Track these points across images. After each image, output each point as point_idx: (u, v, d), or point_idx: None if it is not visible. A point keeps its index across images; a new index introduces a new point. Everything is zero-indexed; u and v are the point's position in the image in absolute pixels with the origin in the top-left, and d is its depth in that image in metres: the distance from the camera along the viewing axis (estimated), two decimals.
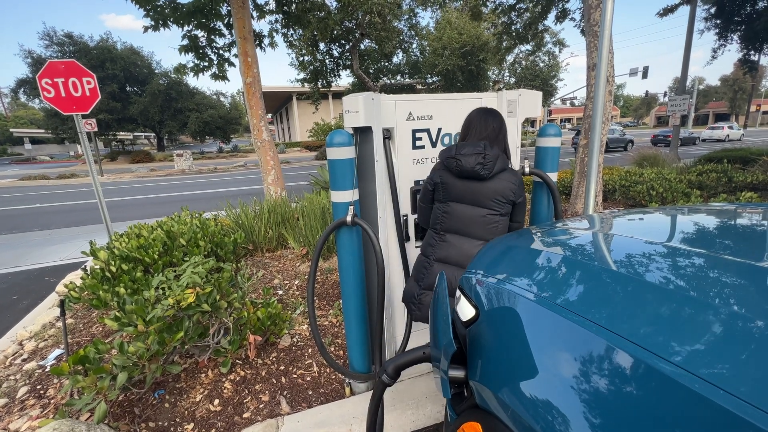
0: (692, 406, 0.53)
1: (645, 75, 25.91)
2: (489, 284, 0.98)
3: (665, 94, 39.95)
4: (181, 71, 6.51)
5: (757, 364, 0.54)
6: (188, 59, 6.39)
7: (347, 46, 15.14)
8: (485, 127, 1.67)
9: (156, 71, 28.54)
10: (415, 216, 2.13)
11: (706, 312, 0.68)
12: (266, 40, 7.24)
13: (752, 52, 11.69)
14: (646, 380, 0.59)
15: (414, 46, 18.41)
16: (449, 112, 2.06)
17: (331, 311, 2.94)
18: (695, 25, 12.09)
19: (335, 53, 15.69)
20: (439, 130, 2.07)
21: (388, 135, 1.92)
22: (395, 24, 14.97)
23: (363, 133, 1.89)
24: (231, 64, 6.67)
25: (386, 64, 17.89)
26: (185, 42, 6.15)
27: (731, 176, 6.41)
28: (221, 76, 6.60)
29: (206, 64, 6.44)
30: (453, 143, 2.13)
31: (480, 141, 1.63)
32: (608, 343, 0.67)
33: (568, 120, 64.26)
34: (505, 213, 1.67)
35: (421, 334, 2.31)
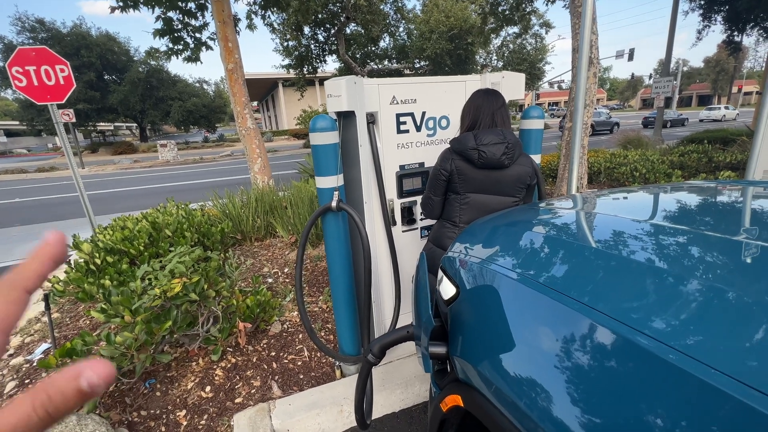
0: (670, 378, 0.54)
1: (631, 57, 26.00)
2: (469, 263, 1.01)
3: (650, 77, 40.28)
4: (153, 55, 6.30)
5: (737, 338, 0.56)
6: (162, 43, 6.20)
7: (333, 31, 14.80)
8: (497, 108, 1.62)
9: (135, 58, 27.58)
10: (401, 201, 2.14)
11: (684, 287, 0.69)
12: (244, 23, 7.04)
13: (735, 33, 11.81)
14: (619, 352, 0.61)
15: (401, 29, 18.10)
16: (433, 95, 2.05)
17: (321, 297, 2.96)
18: (680, 6, 12.14)
19: (320, 38, 15.34)
20: (423, 113, 2.06)
21: (371, 119, 1.90)
22: (381, 7, 14.66)
23: (346, 118, 1.87)
24: (208, 47, 6.47)
25: (373, 48, 17.58)
26: (159, 25, 5.93)
27: (711, 156, 6.56)
28: (194, 58, 6.40)
29: (181, 47, 6.23)
30: (437, 127, 2.13)
31: (494, 126, 1.60)
32: (583, 316, 0.69)
33: (556, 104, 64.46)
34: (523, 198, 1.70)
35: (409, 316, 2.35)
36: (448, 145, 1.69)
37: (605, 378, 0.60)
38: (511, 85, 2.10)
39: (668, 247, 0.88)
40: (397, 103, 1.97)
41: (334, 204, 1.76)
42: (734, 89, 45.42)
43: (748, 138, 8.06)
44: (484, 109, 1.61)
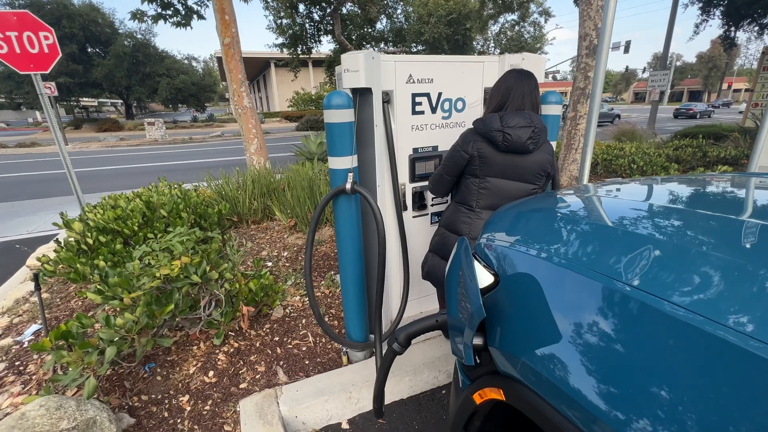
0: (707, 349, 0.54)
1: (627, 50, 25.84)
2: (510, 250, 0.95)
3: (644, 70, 40.43)
4: (140, 17, 6.00)
5: None
6: (151, 8, 5.89)
7: (328, 10, 14.31)
8: (528, 92, 1.54)
9: (120, 31, 26.39)
10: (413, 185, 2.07)
11: (717, 262, 0.68)
12: None
13: (732, 28, 11.84)
14: (676, 336, 0.58)
15: (399, 11, 17.64)
16: (450, 75, 1.97)
17: (323, 282, 2.90)
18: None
19: (316, 17, 14.83)
20: (440, 94, 1.98)
21: (387, 98, 1.82)
22: None
23: (362, 95, 1.78)
24: (200, 16, 6.17)
25: (369, 30, 17.09)
26: None
27: (706, 151, 6.63)
28: (184, 23, 6.13)
29: (170, 12, 5.95)
30: (453, 109, 2.05)
31: (522, 109, 1.53)
32: (639, 300, 0.65)
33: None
34: (542, 186, 1.65)
35: (416, 303, 2.32)
36: (471, 126, 1.61)
37: (669, 364, 0.57)
38: (532, 68, 2.00)
39: (709, 227, 0.84)
40: (414, 82, 1.89)
41: (348, 186, 1.68)
42: (724, 86, 46.01)
43: (740, 134, 8.17)
44: (515, 91, 1.54)
